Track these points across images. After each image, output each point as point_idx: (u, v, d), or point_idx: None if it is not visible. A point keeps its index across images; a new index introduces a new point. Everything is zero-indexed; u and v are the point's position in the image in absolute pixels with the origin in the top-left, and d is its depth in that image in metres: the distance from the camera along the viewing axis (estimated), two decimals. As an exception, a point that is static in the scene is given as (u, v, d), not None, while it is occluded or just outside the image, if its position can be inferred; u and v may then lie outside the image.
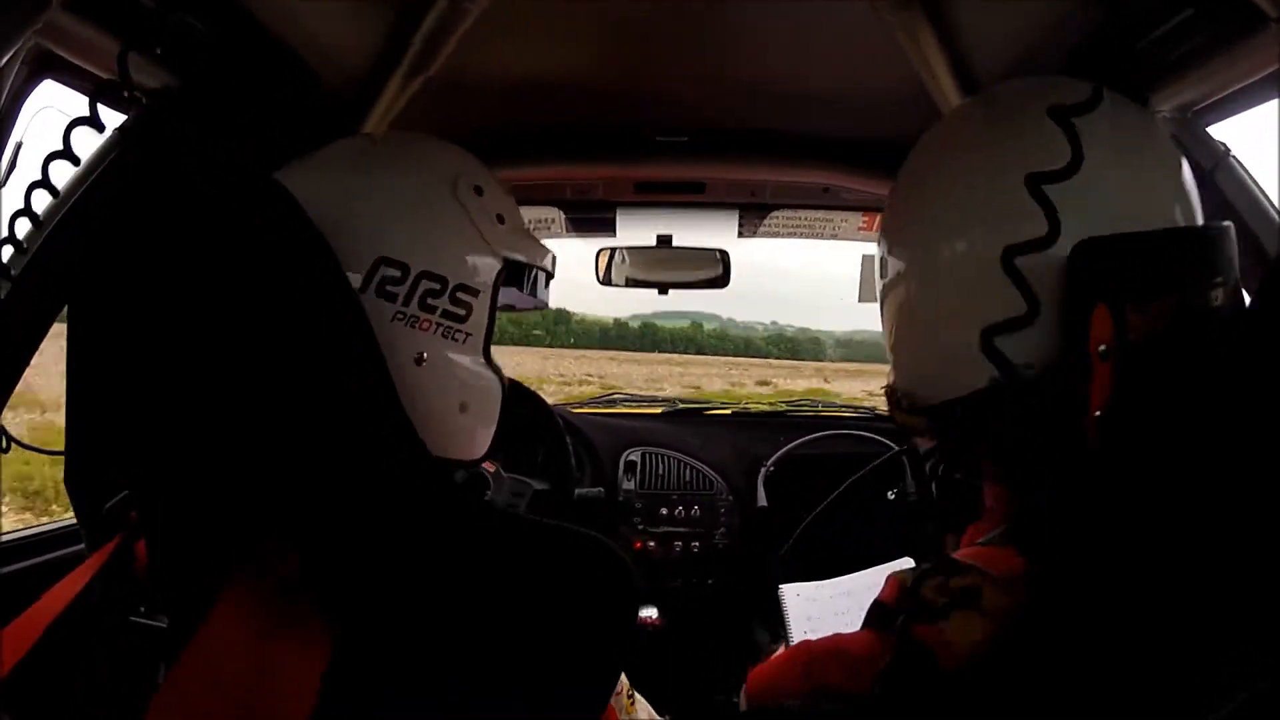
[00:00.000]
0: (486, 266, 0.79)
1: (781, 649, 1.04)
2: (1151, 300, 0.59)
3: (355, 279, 0.73)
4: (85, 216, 0.91)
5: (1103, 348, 0.58)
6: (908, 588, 0.64)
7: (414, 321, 0.74)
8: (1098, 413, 0.58)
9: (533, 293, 0.90)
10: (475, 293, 0.78)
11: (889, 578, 0.71)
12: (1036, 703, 0.53)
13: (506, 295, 0.86)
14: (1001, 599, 0.58)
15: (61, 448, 0.65)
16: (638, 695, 0.98)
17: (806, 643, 0.78)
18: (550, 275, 0.91)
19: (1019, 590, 0.58)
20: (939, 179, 0.71)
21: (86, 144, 0.91)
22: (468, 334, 0.78)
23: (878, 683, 0.63)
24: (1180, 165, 0.68)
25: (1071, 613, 0.53)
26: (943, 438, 0.75)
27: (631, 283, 1.86)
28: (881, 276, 0.80)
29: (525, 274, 0.87)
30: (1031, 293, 0.57)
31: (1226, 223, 0.65)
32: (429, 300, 0.75)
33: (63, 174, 0.92)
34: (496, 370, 0.82)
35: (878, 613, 0.70)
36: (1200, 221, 0.67)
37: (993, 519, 0.76)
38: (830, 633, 0.78)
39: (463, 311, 0.77)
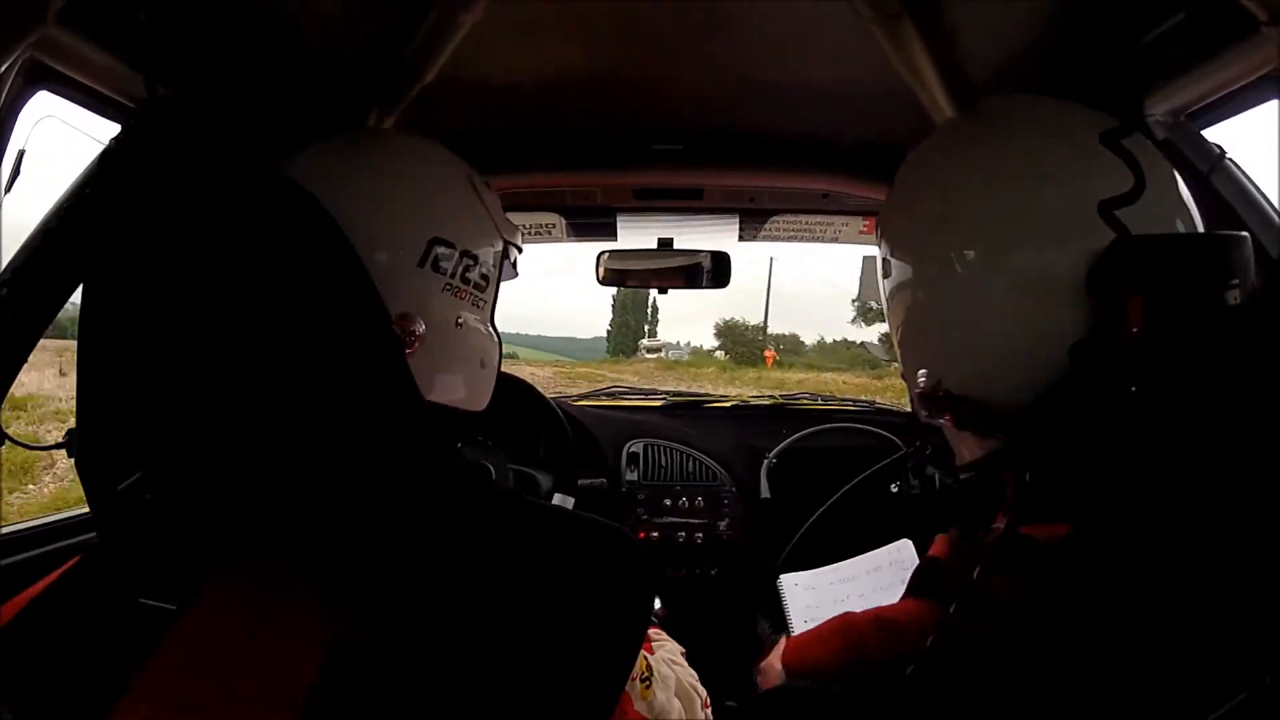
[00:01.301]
0: (496, 246, 0.94)
1: (783, 640, 1.04)
2: (1181, 294, 0.64)
3: (406, 255, 0.84)
4: (90, 213, 0.92)
5: (1136, 330, 0.62)
6: (956, 543, 0.67)
7: (456, 291, 0.88)
8: (1133, 388, 0.61)
9: (513, 267, 1.03)
10: (491, 268, 0.93)
11: (938, 537, 0.75)
12: (1059, 676, 0.56)
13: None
14: (1042, 561, 0.63)
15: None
16: (659, 675, 0.98)
17: (848, 614, 0.80)
18: (520, 250, 1.05)
19: (1056, 552, 0.62)
20: (988, 195, 0.74)
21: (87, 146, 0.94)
22: (485, 303, 0.93)
23: (927, 644, 0.65)
24: (1177, 179, 0.73)
25: (1109, 577, 0.57)
26: (1022, 438, 0.74)
27: (631, 284, 1.86)
28: (886, 276, 0.83)
29: (509, 253, 1.02)
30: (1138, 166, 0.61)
31: (1244, 233, 0.68)
32: (466, 274, 0.89)
33: (64, 176, 0.94)
34: (499, 336, 0.98)
35: (926, 573, 0.72)
36: (1200, 227, 0.72)
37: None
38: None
39: (485, 284, 0.92)
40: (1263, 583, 0.52)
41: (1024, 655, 0.58)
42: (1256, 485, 0.53)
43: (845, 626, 0.78)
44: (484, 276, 0.91)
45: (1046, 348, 0.67)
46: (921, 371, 0.79)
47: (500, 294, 0.96)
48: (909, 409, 0.96)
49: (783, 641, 1.04)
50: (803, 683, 0.84)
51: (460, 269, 0.88)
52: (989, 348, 0.73)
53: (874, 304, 1.73)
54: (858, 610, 0.88)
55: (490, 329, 0.96)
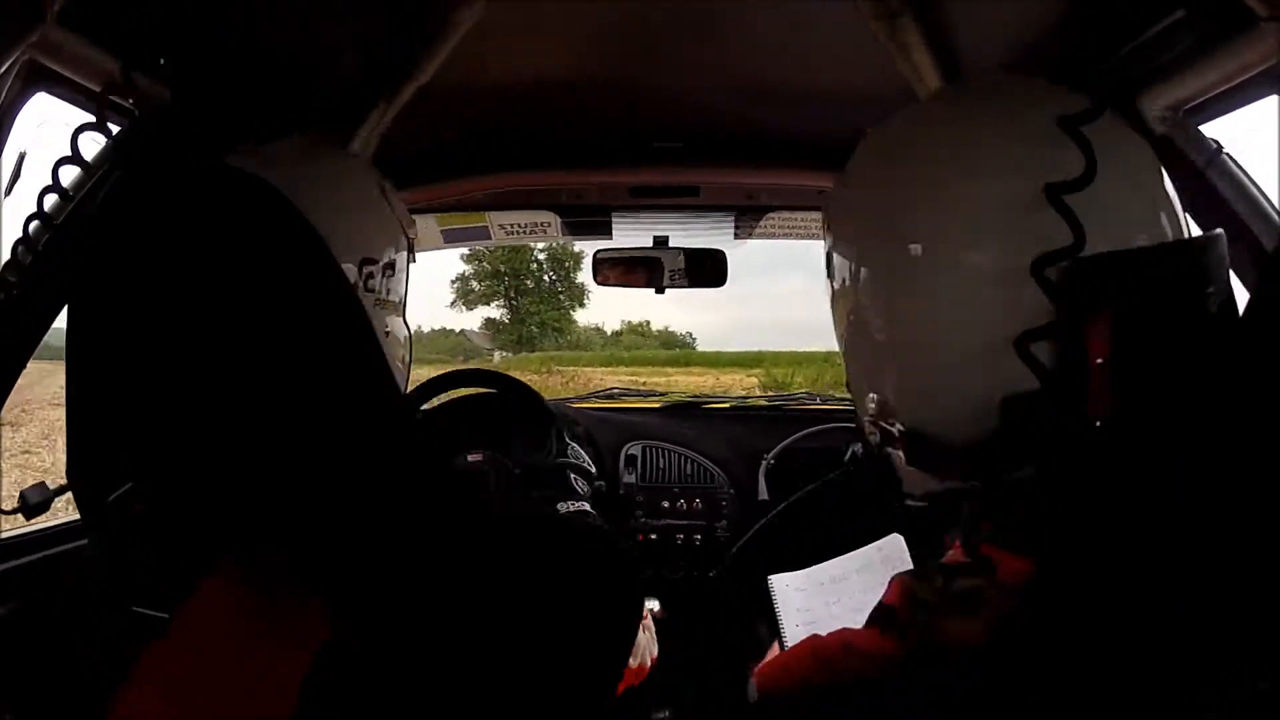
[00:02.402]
0: (403, 246, 0.98)
1: (775, 646, 1.04)
2: (1149, 310, 0.59)
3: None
4: (83, 219, 0.91)
5: (1100, 360, 0.58)
6: (912, 592, 0.64)
7: (383, 304, 0.90)
8: (1097, 422, 0.58)
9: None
10: (402, 268, 0.96)
11: (892, 580, 0.70)
12: (1041, 700, 0.53)
13: None
14: (1003, 601, 0.59)
15: None
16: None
17: (816, 637, 0.78)
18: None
19: (1018, 592, 0.58)
20: (934, 182, 0.68)
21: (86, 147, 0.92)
22: (400, 303, 0.95)
23: (890, 676, 0.64)
24: (1163, 174, 0.68)
25: (1075, 610, 0.54)
26: (982, 478, 0.68)
27: (627, 283, 1.86)
28: (830, 275, 0.76)
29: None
30: (1062, 300, 0.57)
31: (1217, 231, 0.65)
32: (389, 285, 0.91)
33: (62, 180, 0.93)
34: (407, 324, 1.00)
35: (883, 614, 0.70)
36: (1184, 227, 0.67)
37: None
38: (825, 623, 0.78)
39: (401, 285, 0.95)
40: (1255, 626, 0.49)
41: (987, 692, 0.57)
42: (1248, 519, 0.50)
43: (815, 650, 0.77)
44: (398, 278, 0.94)
45: (1004, 366, 0.60)
46: (871, 396, 0.73)
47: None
48: None
49: (775, 647, 1.04)
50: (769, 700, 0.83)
51: (385, 282, 0.90)
52: (942, 371, 0.67)
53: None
54: (849, 610, 0.88)
55: (403, 323, 0.99)
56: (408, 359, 0.99)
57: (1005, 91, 0.73)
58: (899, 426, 0.70)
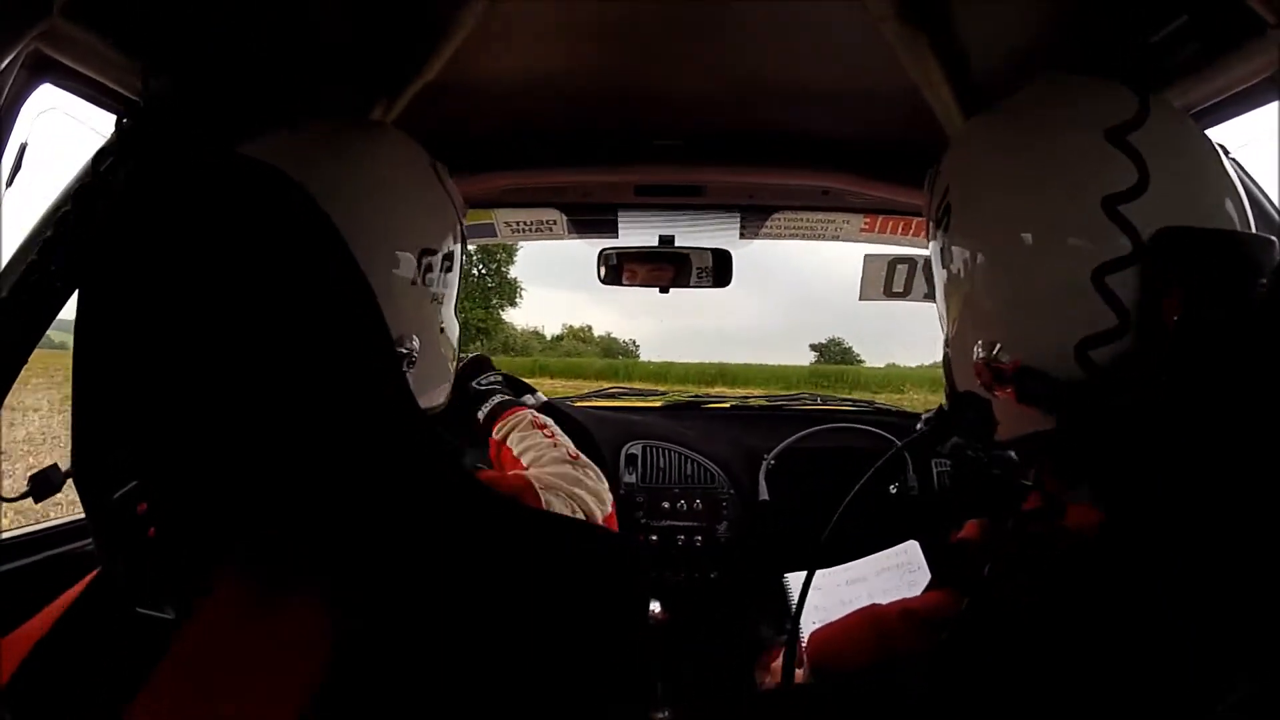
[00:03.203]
0: (458, 232, 0.90)
1: (773, 648, 1.04)
2: (1216, 288, 0.63)
3: (402, 274, 0.79)
4: (87, 215, 0.91)
5: (1173, 321, 0.62)
6: (986, 530, 0.66)
7: (439, 298, 0.84)
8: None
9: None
10: (459, 258, 0.89)
11: (968, 523, 0.73)
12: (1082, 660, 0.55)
13: None
14: (1071, 549, 0.62)
15: None
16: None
17: (875, 606, 0.79)
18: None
19: (1085, 541, 0.61)
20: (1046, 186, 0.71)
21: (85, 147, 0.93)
22: (453, 296, 0.89)
23: (948, 630, 0.64)
24: (1221, 161, 0.71)
25: (1140, 564, 0.56)
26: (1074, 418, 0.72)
27: (631, 282, 1.86)
28: (946, 265, 0.81)
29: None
30: (1123, 307, 0.59)
31: (1272, 237, 0.68)
32: (446, 276, 0.85)
33: (61, 178, 0.94)
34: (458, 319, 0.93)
35: (951, 559, 0.71)
36: (1249, 213, 0.71)
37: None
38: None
39: (454, 278, 0.88)
40: None
41: (1044, 649, 0.58)
42: None
43: (874, 619, 0.77)
44: (453, 270, 0.87)
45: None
46: (979, 341, 0.76)
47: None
48: (905, 410, 0.95)
49: (773, 649, 1.04)
50: (824, 686, 0.83)
51: (442, 273, 0.84)
52: (1070, 329, 0.69)
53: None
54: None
55: (454, 321, 0.92)
56: (456, 354, 0.92)
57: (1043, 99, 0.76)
58: (1010, 363, 0.73)
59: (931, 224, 0.83)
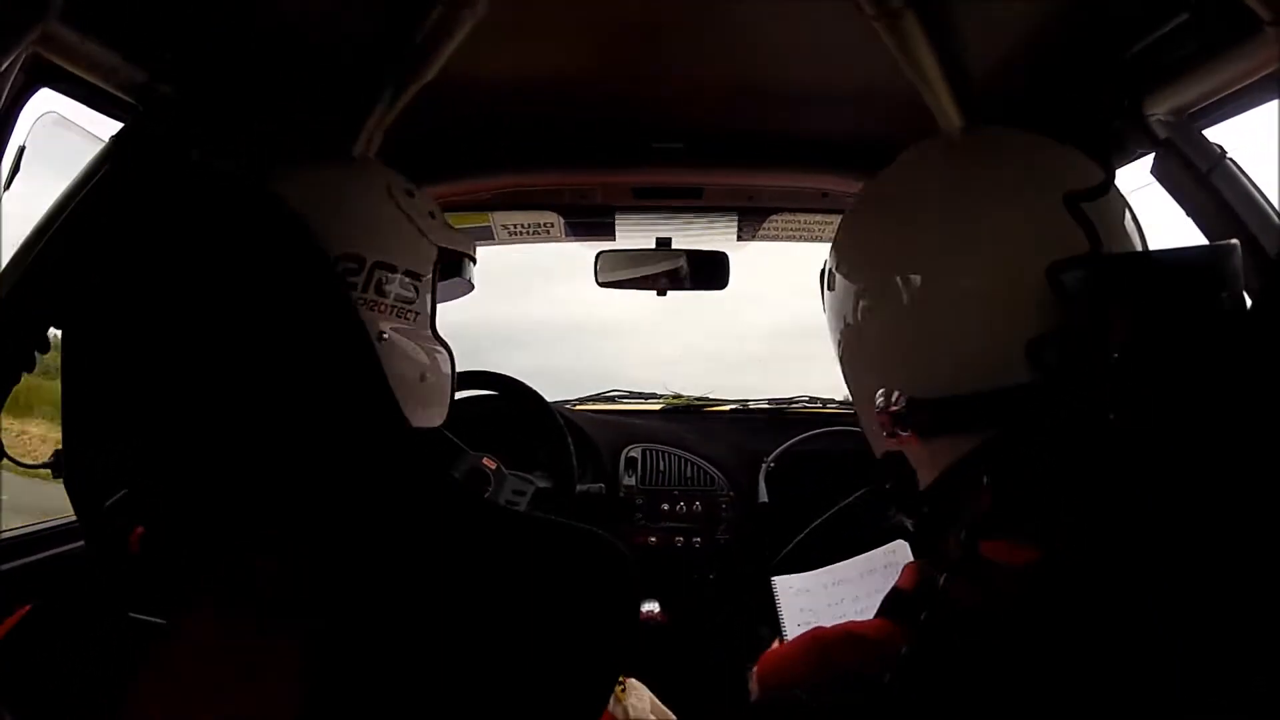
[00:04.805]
0: (426, 254, 0.92)
1: (776, 643, 1.04)
2: (1165, 308, 0.61)
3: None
4: (81, 222, 0.91)
5: (1115, 355, 0.59)
6: (927, 578, 0.65)
7: (373, 305, 0.86)
8: (1111, 415, 0.59)
9: (462, 275, 1.04)
10: (419, 277, 0.91)
11: (906, 567, 0.72)
12: (1043, 694, 0.54)
13: (447, 286, 1.01)
14: (1011, 588, 0.60)
15: None
16: (633, 682, 0.98)
17: (819, 629, 0.78)
18: (474, 260, 1.05)
19: (1026, 582, 0.60)
20: (955, 210, 0.71)
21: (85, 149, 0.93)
22: (417, 313, 0.91)
23: (894, 669, 0.63)
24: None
25: (1083, 603, 0.55)
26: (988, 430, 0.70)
27: (629, 284, 1.85)
28: (832, 289, 0.80)
29: (460, 261, 1.02)
30: (1075, 305, 0.59)
31: (1234, 241, 0.67)
32: (384, 286, 0.87)
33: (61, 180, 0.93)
34: (446, 345, 0.94)
35: (895, 601, 0.71)
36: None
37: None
38: (829, 623, 0.78)
39: (411, 294, 0.90)
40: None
41: (990, 674, 0.57)
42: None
43: (819, 640, 0.77)
44: (409, 286, 0.90)
45: (1010, 350, 0.64)
46: (879, 391, 0.75)
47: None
48: None
49: (776, 643, 1.04)
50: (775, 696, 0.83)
51: (374, 281, 0.87)
52: (950, 352, 0.70)
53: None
54: (852, 613, 0.87)
55: (433, 340, 0.93)
56: (430, 373, 0.92)
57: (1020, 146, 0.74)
58: (904, 402, 0.72)
59: (823, 298, 0.83)
